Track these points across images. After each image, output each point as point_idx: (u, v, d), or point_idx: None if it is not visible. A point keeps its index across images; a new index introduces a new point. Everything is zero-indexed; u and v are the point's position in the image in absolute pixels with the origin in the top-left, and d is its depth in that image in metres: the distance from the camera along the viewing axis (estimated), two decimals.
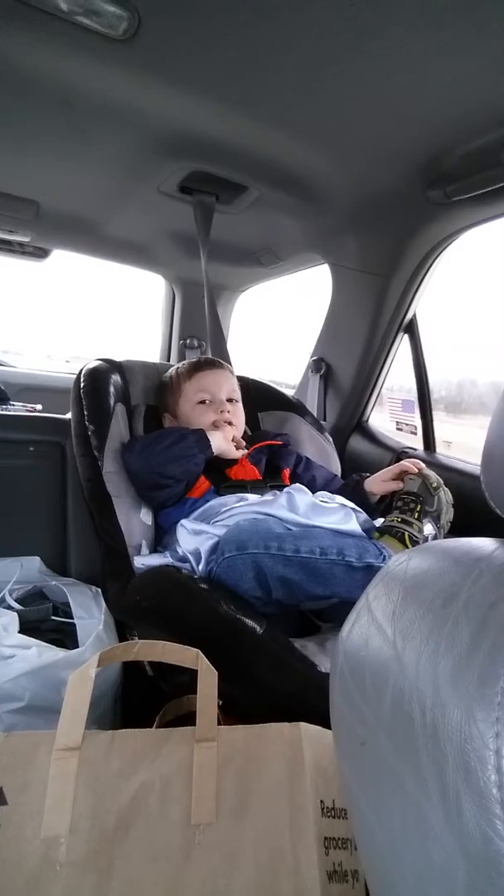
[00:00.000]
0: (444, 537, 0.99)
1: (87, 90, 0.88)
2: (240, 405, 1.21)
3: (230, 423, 1.14)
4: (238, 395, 1.21)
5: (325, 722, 0.61)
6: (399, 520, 0.94)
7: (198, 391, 1.15)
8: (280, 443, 1.24)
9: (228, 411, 1.15)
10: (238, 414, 1.19)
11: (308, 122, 0.93)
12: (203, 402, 1.15)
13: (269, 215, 1.35)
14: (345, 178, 1.11)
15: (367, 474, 1.15)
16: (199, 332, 2.08)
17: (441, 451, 1.43)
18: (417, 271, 1.35)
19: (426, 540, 0.94)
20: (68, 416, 1.12)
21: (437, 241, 1.27)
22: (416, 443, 1.48)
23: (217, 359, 1.26)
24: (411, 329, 1.45)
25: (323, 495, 1.01)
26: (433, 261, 1.33)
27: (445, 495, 1.01)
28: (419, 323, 1.45)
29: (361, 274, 1.41)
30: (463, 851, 0.22)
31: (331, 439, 1.41)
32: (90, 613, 0.94)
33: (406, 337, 1.47)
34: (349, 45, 0.73)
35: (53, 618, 0.97)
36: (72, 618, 0.93)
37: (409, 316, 1.44)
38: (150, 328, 2.32)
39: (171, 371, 1.23)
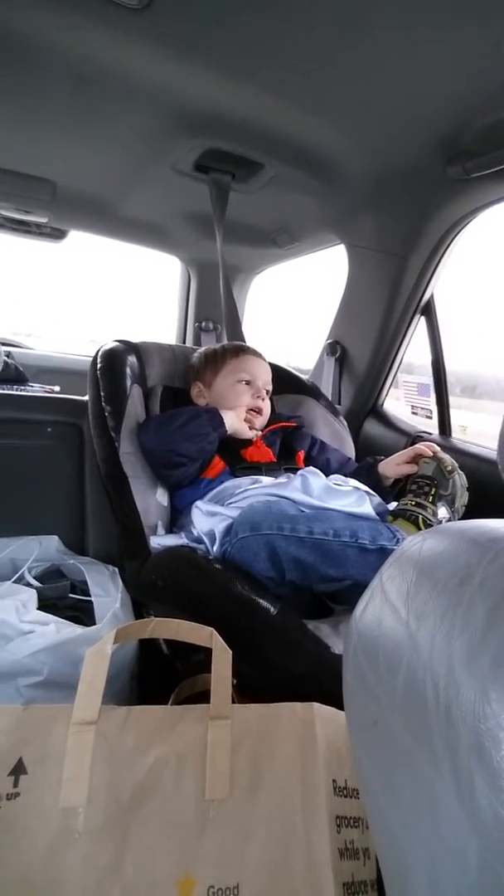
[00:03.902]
0: None
1: (102, 63, 0.87)
2: (269, 400, 1.21)
3: (259, 410, 1.15)
4: (270, 389, 1.21)
5: (338, 703, 0.61)
6: (413, 503, 0.94)
7: (242, 371, 1.16)
8: (294, 424, 1.23)
9: (263, 399, 1.17)
10: (267, 406, 1.19)
11: (324, 97, 0.91)
12: (244, 381, 1.15)
13: (284, 194, 1.33)
14: (362, 154, 1.09)
15: (382, 457, 1.14)
16: (215, 314, 2.07)
17: (457, 435, 1.41)
18: (435, 251, 1.32)
19: (440, 524, 0.94)
20: (86, 397, 1.13)
21: (456, 220, 1.24)
22: (432, 427, 1.46)
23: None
24: (428, 311, 1.43)
25: (337, 478, 1.01)
26: (451, 240, 1.29)
27: (460, 479, 1.00)
28: (436, 305, 1.43)
29: (378, 254, 1.39)
30: (475, 830, 0.22)
31: (345, 423, 1.40)
32: (107, 592, 0.95)
33: (423, 319, 1.45)
34: (365, 17, 0.71)
35: (71, 595, 0.98)
36: (89, 596, 0.94)
37: (426, 297, 1.41)
38: (166, 310, 2.32)
39: (217, 346, 1.24)
